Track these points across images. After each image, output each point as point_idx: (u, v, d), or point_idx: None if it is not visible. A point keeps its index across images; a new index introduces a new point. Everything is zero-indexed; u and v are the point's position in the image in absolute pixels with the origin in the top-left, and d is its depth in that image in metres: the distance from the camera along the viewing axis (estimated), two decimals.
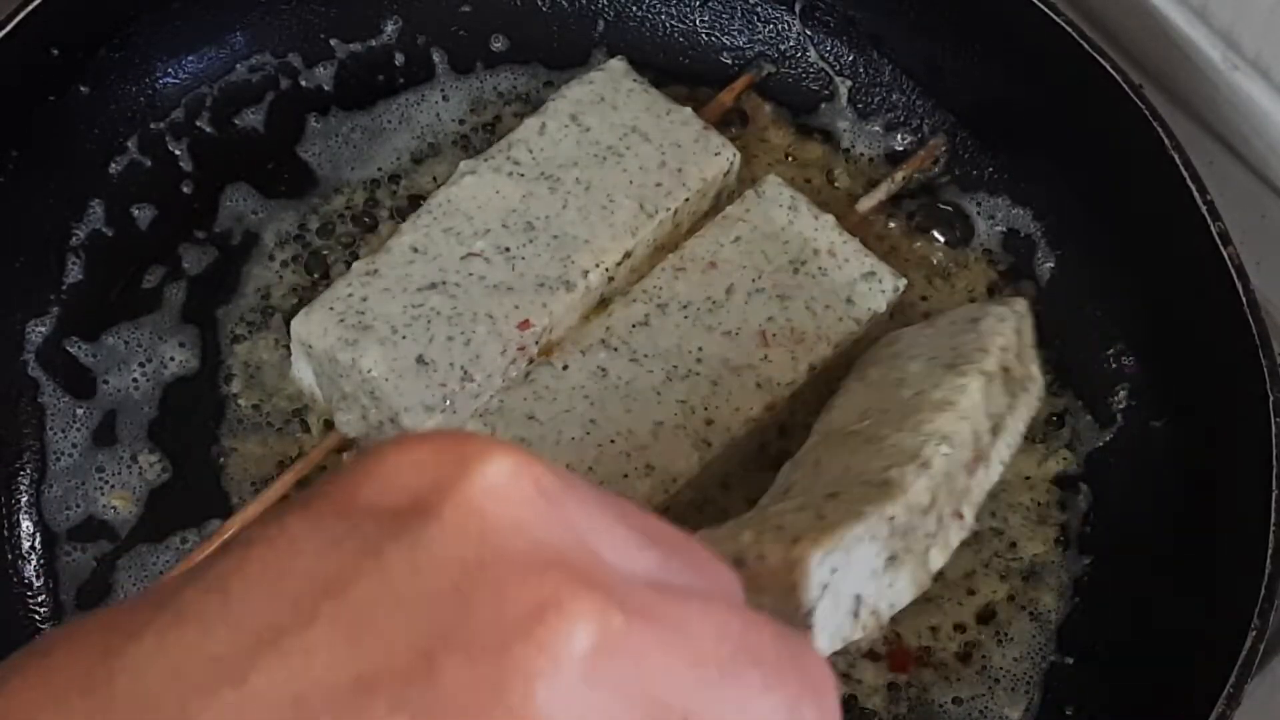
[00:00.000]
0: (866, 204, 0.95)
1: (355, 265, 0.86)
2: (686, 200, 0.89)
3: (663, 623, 0.44)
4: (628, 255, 0.88)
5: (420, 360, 0.83)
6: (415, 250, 0.86)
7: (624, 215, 0.88)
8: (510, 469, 0.44)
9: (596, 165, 0.89)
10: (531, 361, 0.85)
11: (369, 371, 0.82)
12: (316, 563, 0.42)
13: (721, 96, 0.97)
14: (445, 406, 0.82)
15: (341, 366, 0.83)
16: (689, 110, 0.92)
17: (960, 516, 0.72)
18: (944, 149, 0.97)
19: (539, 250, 0.87)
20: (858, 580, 0.66)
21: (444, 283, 0.85)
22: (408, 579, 0.42)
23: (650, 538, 0.46)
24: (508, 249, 0.87)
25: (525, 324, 0.85)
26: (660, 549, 0.46)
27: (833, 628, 0.65)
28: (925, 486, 0.70)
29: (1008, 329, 0.80)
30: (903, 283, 0.88)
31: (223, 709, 0.41)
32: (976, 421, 0.74)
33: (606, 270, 0.87)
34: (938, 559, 0.70)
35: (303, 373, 0.88)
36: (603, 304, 0.88)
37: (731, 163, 0.91)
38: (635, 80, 0.92)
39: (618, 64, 0.93)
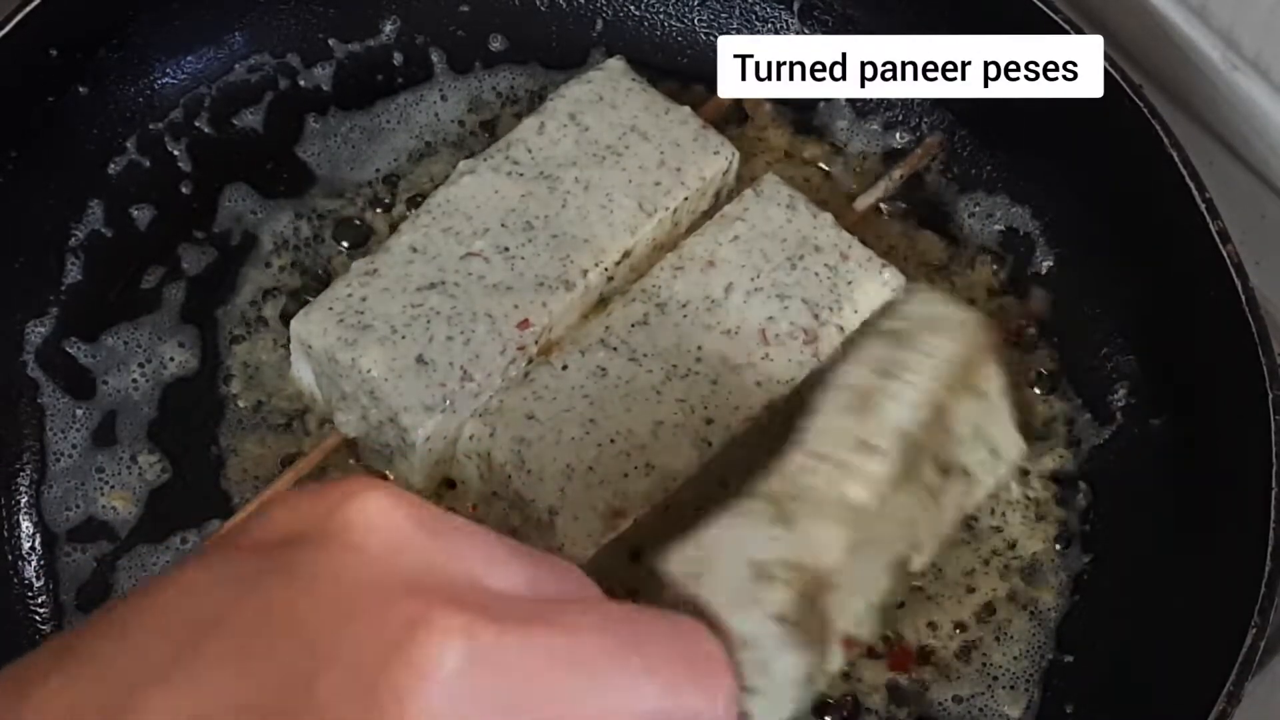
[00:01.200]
0: (865, 202, 0.95)
1: (355, 265, 0.86)
2: (685, 199, 0.89)
3: (538, 630, 0.46)
4: (627, 254, 0.88)
5: (420, 360, 0.83)
6: (414, 250, 0.86)
7: (623, 214, 0.88)
8: (385, 503, 0.46)
9: (595, 165, 0.89)
10: (531, 361, 0.85)
11: (368, 371, 0.82)
12: (203, 601, 0.45)
13: (715, 100, 0.96)
14: (445, 406, 0.82)
15: (341, 366, 0.83)
16: (687, 109, 0.92)
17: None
18: (940, 147, 0.97)
19: (538, 250, 0.87)
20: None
21: (443, 282, 0.85)
22: (286, 607, 0.44)
23: (517, 555, 0.48)
24: (507, 248, 0.87)
25: (525, 324, 0.85)
26: (527, 563, 0.48)
27: None
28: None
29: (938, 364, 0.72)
30: (902, 280, 0.88)
31: None
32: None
33: (605, 270, 0.87)
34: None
35: (302, 373, 0.88)
36: (602, 303, 0.88)
37: (730, 161, 0.91)
38: (634, 79, 0.92)
39: (616, 63, 0.93)
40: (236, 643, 0.44)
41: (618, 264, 0.88)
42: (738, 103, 0.98)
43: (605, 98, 0.91)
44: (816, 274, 0.88)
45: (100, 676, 0.44)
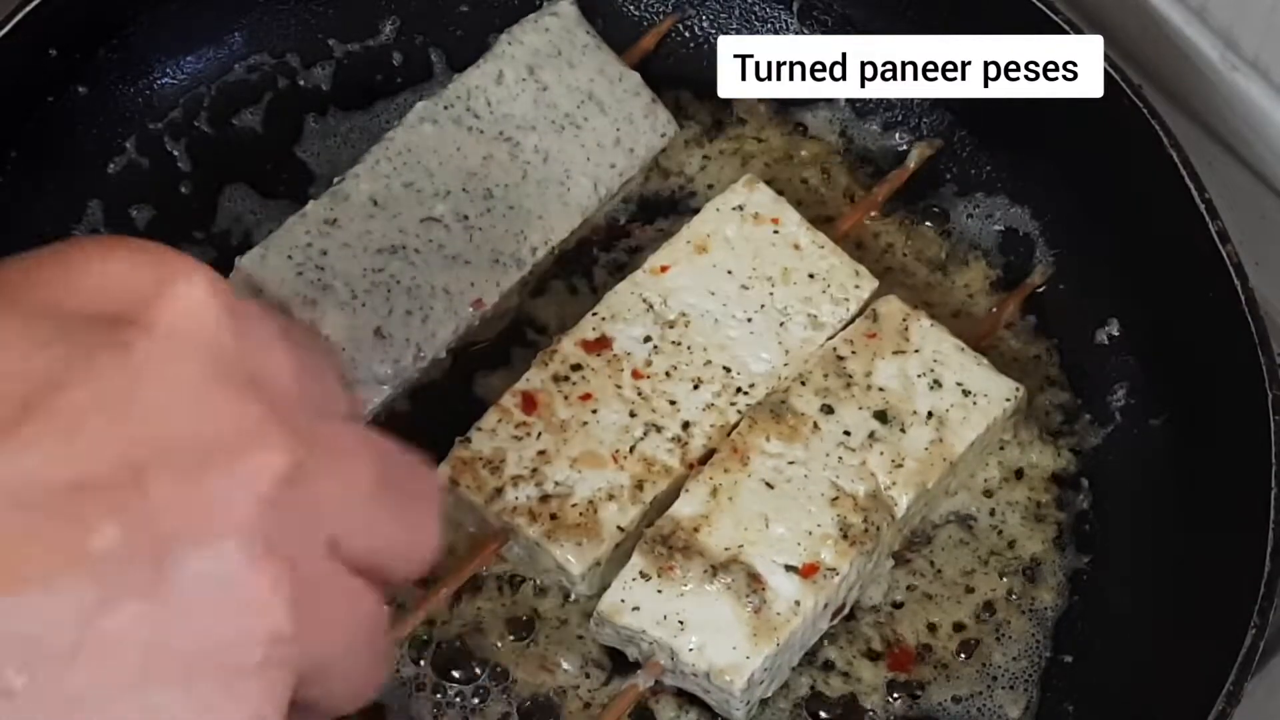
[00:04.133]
0: (865, 202, 0.95)
1: (311, 207, 0.87)
2: (631, 179, 0.93)
3: (333, 453, 0.47)
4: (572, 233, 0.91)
5: (378, 333, 0.85)
6: (375, 204, 0.88)
7: (578, 194, 0.91)
8: (205, 288, 0.46)
9: (555, 134, 0.92)
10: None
11: (326, 336, 0.83)
12: (25, 363, 0.43)
13: (644, 42, 0.98)
14: (394, 382, 0.85)
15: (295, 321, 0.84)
16: (637, 77, 0.94)
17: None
18: (937, 147, 0.97)
19: (494, 221, 0.89)
20: None
21: (404, 247, 0.87)
22: (119, 390, 0.43)
23: (294, 350, 0.48)
24: (466, 217, 0.88)
25: (479, 303, 0.87)
26: (301, 360, 0.48)
27: None
28: None
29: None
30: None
31: None
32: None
33: (552, 250, 0.90)
34: None
35: None
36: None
37: (668, 137, 0.94)
38: (588, 32, 0.94)
39: (569, 8, 0.94)
40: (67, 416, 0.43)
41: (563, 242, 0.91)
42: (736, 102, 0.98)
43: (563, 53, 0.93)
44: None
45: None
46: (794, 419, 0.85)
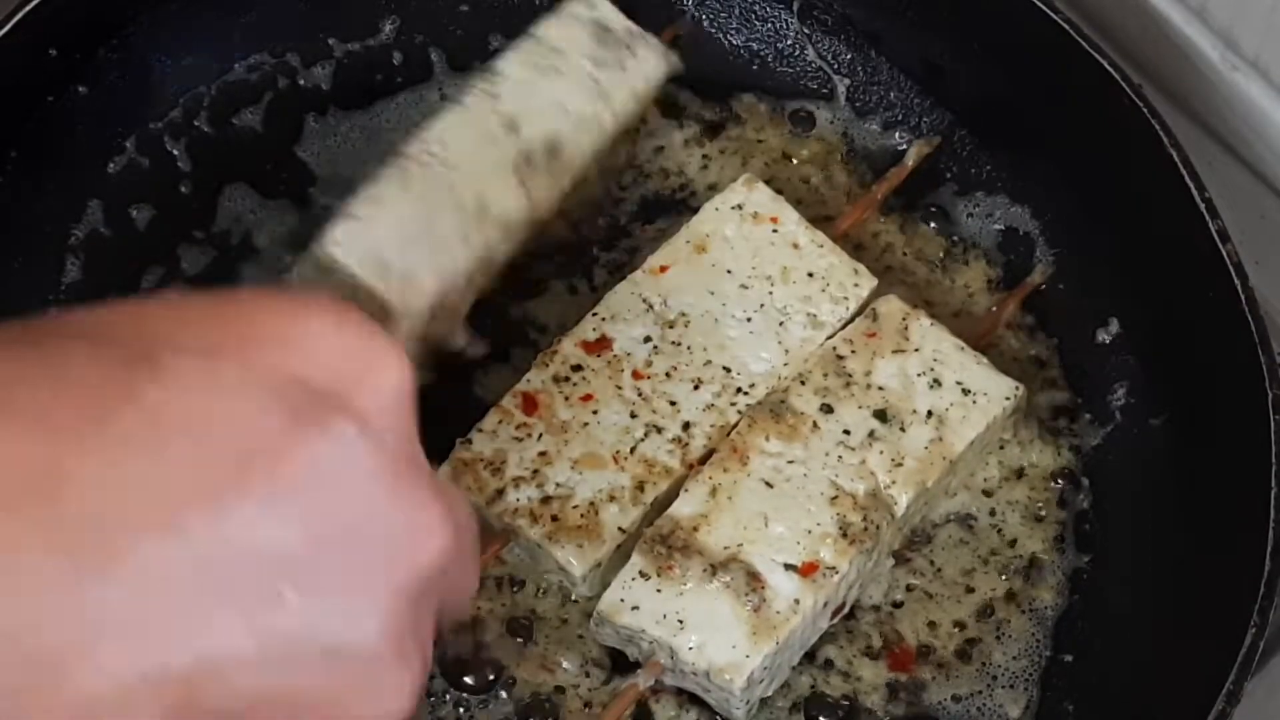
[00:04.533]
0: (865, 202, 0.95)
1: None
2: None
3: (459, 529, 0.50)
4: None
5: None
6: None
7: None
8: (402, 385, 0.49)
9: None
10: None
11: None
12: (249, 424, 0.45)
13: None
14: None
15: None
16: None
17: None
18: (935, 145, 0.97)
19: None
20: None
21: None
22: (330, 467, 0.46)
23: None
24: None
25: None
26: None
27: None
28: None
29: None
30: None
31: (164, 552, 0.43)
32: None
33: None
34: None
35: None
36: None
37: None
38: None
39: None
40: (286, 487, 0.45)
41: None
42: (734, 104, 0.98)
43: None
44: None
45: (147, 473, 0.43)
46: (793, 418, 0.85)
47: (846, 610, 0.85)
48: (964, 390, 0.86)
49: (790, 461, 0.84)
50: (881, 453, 0.84)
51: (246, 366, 0.46)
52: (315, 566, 0.45)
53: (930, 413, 0.86)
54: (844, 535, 0.82)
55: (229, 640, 0.44)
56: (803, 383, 0.86)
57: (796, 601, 0.80)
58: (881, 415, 0.85)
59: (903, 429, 0.85)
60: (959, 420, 0.86)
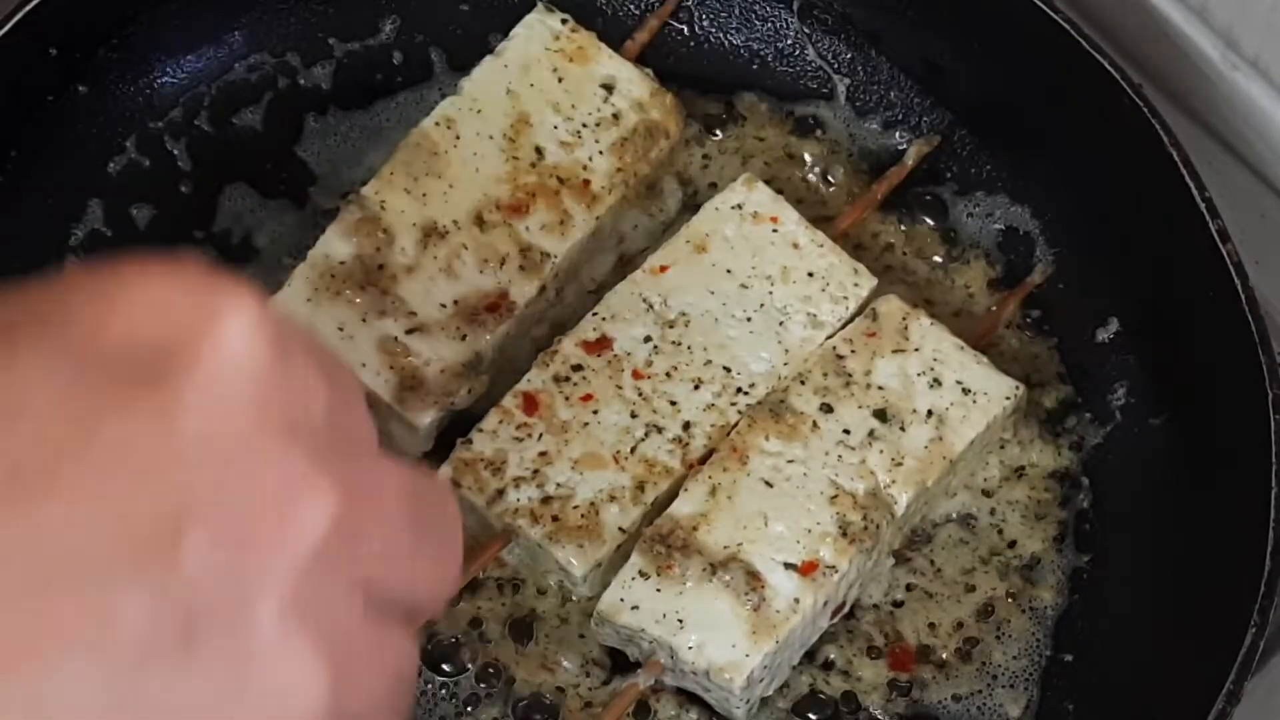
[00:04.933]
0: (864, 201, 0.95)
1: None
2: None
3: (368, 494, 0.43)
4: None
5: None
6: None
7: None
8: (253, 323, 0.41)
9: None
10: None
11: None
12: (55, 408, 0.39)
13: (639, 36, 0.97)
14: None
15: None
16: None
17: None
18: (934, 145, 0.97)
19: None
20: None
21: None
22: (154, 440, 0.39)
23: (325, 380, 0.44)
24: None
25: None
26: (340, 401, 0.44)
27: None
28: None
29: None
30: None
31: None
32: None
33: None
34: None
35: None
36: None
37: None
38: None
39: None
40: (99, 474, 0.39)
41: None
42: (734, 104, 0.98)
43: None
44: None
45: None
46: (793, 418, 0.85)
47: (847, 610, 0.86)
48: (964, 390, 0.86)
49: (790, 461, 0.84)
50: (881, 452, 0.84)
51: (50, 344, 0.40)
52: (152, 559, 0.39)
53: (930, 412, 0.86)
54: (844, 534, 0.82)
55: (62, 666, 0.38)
56: (802, 382, 0.86)
57: (796, 600, 0.81)
58: (881, 415, 0.85)
59: (903, 428, 0.85)
60: (959, 420, 0.86)
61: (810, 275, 0.89)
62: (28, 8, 0.86)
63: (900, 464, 0.84)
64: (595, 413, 0.85)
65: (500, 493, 0.83)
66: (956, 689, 0.86)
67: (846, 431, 0.85)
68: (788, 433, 0.84)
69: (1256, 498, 0.81)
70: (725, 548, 0.81)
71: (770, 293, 0.89)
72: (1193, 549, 0.86)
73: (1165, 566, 0.87)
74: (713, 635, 0.80)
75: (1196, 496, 0.87)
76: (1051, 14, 0.90)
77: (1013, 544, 0.89)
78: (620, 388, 0.86)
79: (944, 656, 0.87)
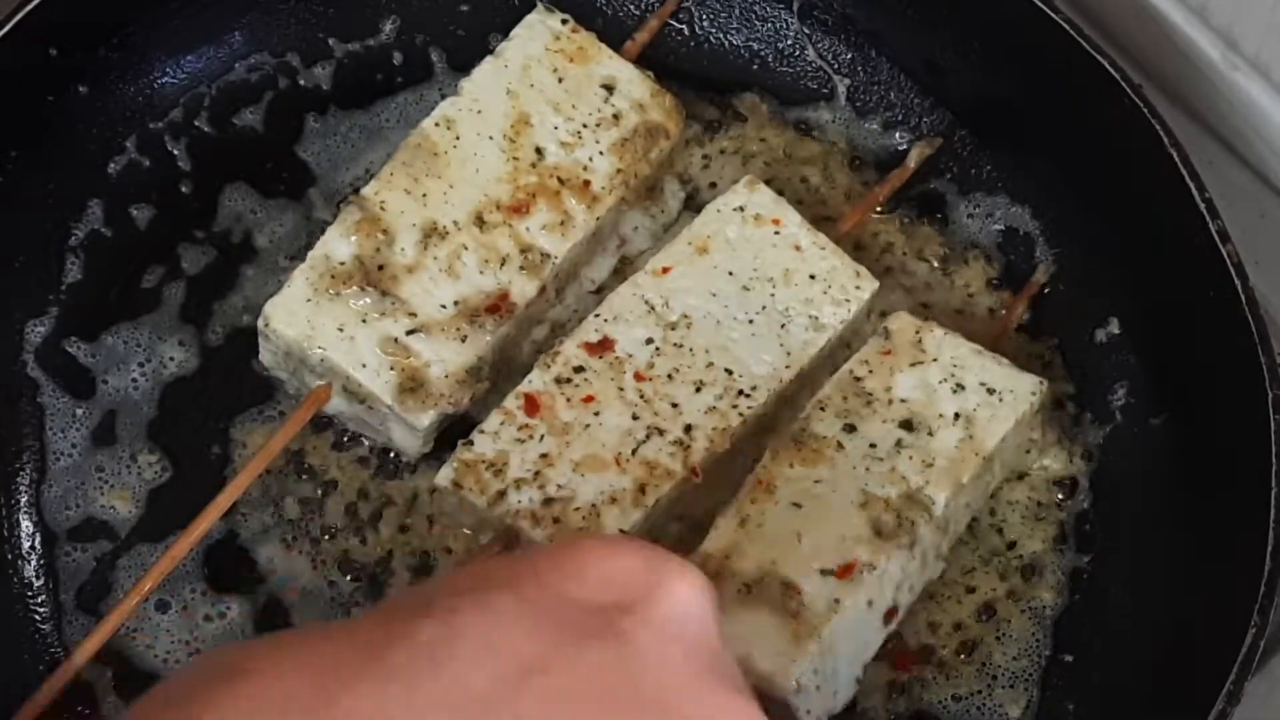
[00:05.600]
0: (865, 202, 0.95)
1: None
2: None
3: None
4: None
5: None
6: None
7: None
8: (696, 589, 0.51)
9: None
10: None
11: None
12: (523, 642, 0.47)
13: (639, 36, 0.98)
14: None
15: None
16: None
17: None
18: (935, 146, 0.97)
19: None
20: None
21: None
22: (614, 676, 0.47)
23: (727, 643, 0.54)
24: None
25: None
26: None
27: None
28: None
29: None
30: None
31: None
32: None
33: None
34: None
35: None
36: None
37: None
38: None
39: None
40: (562, 692, 0.46)
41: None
42: (734, 104, 0.98)
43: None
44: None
45: (410, 697, 0.45)
46: (816, 443, 0.84)
47: (900, 615, 0.84)
48: (989, 390, 0.86)
49: (817, 481, 0.83)
50: (911, 458, 0.83)
51: (519, 596, 0.48)
52: None
53: (958, 415, 0.85)
54: (878, 534, 0.81)
55: None
56: (822, 409, 0.85)
57: (836, 601, 0.79)
58: (908, 425, 0.85)
59: (930, 434, 0.84)
60: (987, 419, 0.85)
61: (812, 278, 0.89)
62: (28, 8, 0.86)
63: (931, 465, 0.83)
64: (597, 414, 0.85)
65: (502, 494, 0.83)
66: (956, 689, 0.86)
67: (873, 445, 0.84)
68: (812, 458, 0.83)
69: (1256, 498, 0.81)
70: (759, 567, 0.80)
71: (772, 295, 0.89)
72: (1193, 549, 0.86)
73: (1165, 567, 0.87)
74: (758, 646, 0.78)
75: (1196, 496, 0.87)
76: (1051, 14, 0.90)
77: (1013, 544, 0.89)
78: (622, 389, 0.86)
79: (944, 656, 0.87)
